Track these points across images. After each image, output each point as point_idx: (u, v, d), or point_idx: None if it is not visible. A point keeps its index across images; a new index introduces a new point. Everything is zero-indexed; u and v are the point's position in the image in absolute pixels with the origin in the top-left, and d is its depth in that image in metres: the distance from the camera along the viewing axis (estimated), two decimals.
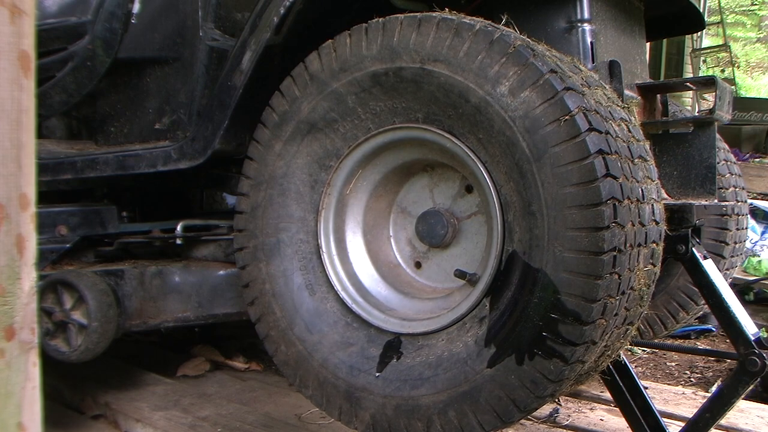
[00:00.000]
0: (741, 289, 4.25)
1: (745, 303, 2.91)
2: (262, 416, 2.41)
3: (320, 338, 1.87)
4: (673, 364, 3.47)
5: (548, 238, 1.53)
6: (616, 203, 1.49)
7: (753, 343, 1.95)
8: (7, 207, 0.90)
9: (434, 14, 1.68)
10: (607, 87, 1.76)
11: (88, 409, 2.54)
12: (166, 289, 2.33)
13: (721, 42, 12.15)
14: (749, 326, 2.01)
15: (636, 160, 1.62)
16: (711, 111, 2.04)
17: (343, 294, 1.89)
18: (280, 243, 1.94)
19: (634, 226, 1.55)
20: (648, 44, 2.52)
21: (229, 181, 2.48)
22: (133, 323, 2.25)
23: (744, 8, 19.47)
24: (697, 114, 4.00)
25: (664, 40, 9.79)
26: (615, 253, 1.49)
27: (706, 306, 2.43)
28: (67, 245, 2.42)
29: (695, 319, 3.06)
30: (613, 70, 1.93)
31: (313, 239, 1.93)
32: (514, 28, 1.67)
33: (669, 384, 3.11)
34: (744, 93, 15.20)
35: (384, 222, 2.03)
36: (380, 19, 1.75)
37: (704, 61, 11.46)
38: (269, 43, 2.00)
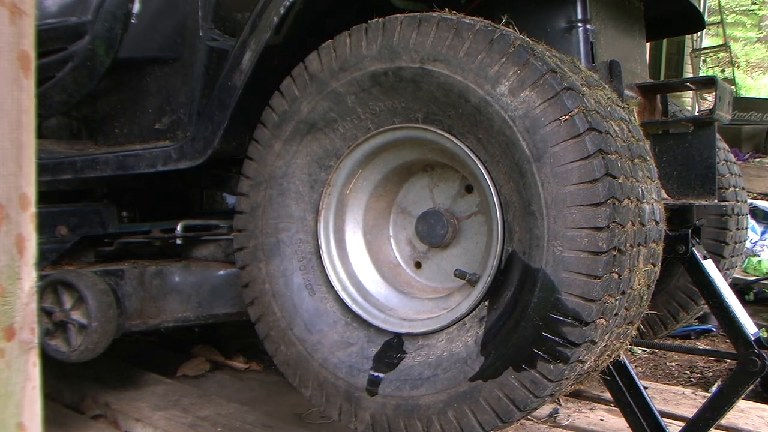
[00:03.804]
0: (741, 289, 4.25)
1: (745, 303, 2.91)
2: (262, 416, 2.41)
3: (320, 338, 1.87)
4: (673, 364, 3.47)
5: (548, 237, 1.53)
6: (616, 203, 1.49)
7: (753, 343, 1.95)
8: (7, 207, 0.90)
9: (434, 14, 1.68)
10: (607, 87, 1.76)
11: (88, 409, 2.54)
12: (166, 289, 2.33)
13: (721, 42, 12.15)
14: (749, 326, 2.01)
15: (636, 160, 1.62)
16: (711, 111, 2.04)
17: (342, 294, 1.89)
18: (279, 243, 1.94)
19: (634, 225, 1.55)
20: (648, 44, 2.52)
21: (229, 181, 2.48)
22: (133, 323, 2.25)
23: (744, 8, 19.47)
24: (697, 114, 4.00)
25: (664, 40, 9.79)
26: (615, 253, 1.49)
27: (706, 306, 2.43)
28: (67, 245, 2.42)
29: (695, 319, 3.06)
30: (613, 70, 1.93)
31: (312, 239, 1.93)
32: (514, 28, 1.67)
33: (669, 384, 3.11)
34: (744, 93, 15.20)
35: (384, 222, 2.03)
36: (380, 19, 1.75)
37: (704, 61, 11.46)
38: (269, 43, 2.00)
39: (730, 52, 11.96)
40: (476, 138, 1.65)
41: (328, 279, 1.91)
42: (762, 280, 4.46)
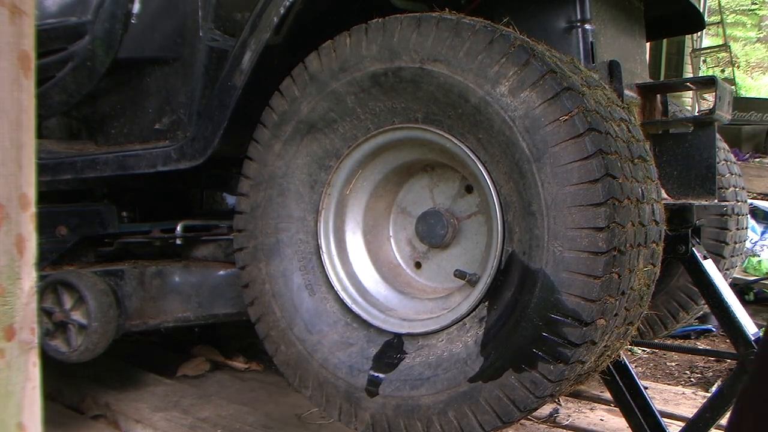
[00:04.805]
0: (741, 289, 4.25)
1: (745, 303, 2.91)
2: (262, 416, 2.41)
3: (320, 338, 1.87)
4: (673, 364, 3.47)
5: (548, 238, 1.53)
6: (616, 203, 1.49)
7: (753, 343, 1.95)
8: (7, 207, 0.90)
9: (434, 14, 1.68)
10: (607, 87, 1.76)
11: (88, 409, 2.54)
12: (166, 289, 2.33)
13: (721, 42, 12.15)
14: (749, 326, 2.01)
15: (636, 160, 1.62)
16: (711, 111, 2.04)
17: (342, 294, 1.89)
18: (279, 243, 1.94)
19: (634, 226, 1.55)
20: (648, 44, 2.52)
21: (229, 181, 2.48)
22: (133, 323, 2.25)
23: (744, 8, 19.47)
24: (697, 114, 4.00)
25: (664, 40, 9.79)
26: (615, 253, 1.49)
27: (706, 306, 2.44)
28: (67, 245, 2.42)
29: (695, 319, 3.06)
30: (613, 70, 1.93)
31: (312, 239, 1.93)
32: (514, 28, 1.67)
33: (669, 384, 3.11)
34: (744, 93, 15.20)
35: (384, 222, 2.03)
36: (380, 19, 1.75)
37: (704, 61, 11.45)
38: (269, 43, 2.00)
39: (730, 52, 11.96)
40: (476, 138, 1.65)
41: (328, 279, 1.91)
42: (762, 280, 4.46)
